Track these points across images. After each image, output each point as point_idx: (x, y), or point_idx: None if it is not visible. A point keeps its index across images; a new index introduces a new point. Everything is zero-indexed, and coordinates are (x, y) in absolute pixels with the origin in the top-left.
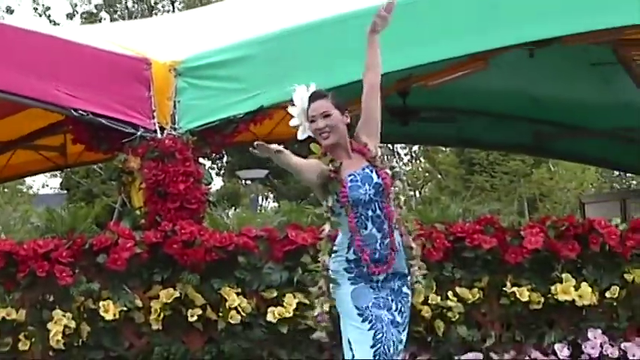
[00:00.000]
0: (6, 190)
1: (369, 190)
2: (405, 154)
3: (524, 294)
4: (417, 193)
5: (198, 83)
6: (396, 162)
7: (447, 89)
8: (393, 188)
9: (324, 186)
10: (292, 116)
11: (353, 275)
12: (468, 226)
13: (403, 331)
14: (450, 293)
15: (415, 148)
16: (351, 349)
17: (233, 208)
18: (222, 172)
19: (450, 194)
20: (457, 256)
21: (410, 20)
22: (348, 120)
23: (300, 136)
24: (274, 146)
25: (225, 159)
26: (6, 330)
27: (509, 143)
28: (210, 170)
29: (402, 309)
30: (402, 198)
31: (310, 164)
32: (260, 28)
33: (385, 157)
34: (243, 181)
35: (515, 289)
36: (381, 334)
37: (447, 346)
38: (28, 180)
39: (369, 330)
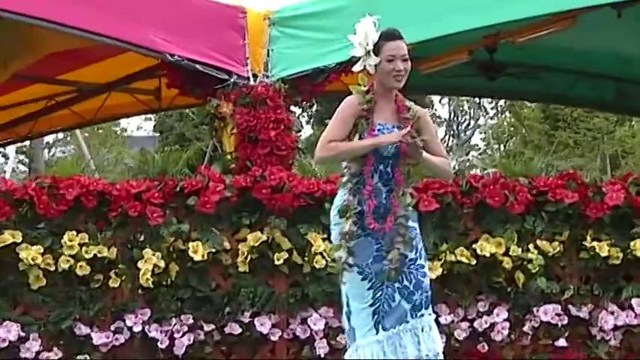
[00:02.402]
0: (100, 131)
1: (391, 147)
2: (492, 108)
3: (603, 249)
4: (502, 146)
5: (292, 32)
6: (482, 115)
7: (534, 46)
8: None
9: (354, 124)
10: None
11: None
12: (550, 180)
13: (422, 264)
14: (530, 246)
15: (501, 102)
16: (348, 304)
17: None
18: (311, 120)
19: (534, 149)
20: (539, 210)
21: None
22: None
23: (358, 67)
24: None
25: (315, 107)
26: (97, 267)
27: (593, 100)
28: (300, 118)
29: (413, 244)
30: (411, 169)
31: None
32: None
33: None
34: None
35: (595, 243)
36: (380, 292)
37: (527, 298)
38: (123, 122)
39: (368, 289)
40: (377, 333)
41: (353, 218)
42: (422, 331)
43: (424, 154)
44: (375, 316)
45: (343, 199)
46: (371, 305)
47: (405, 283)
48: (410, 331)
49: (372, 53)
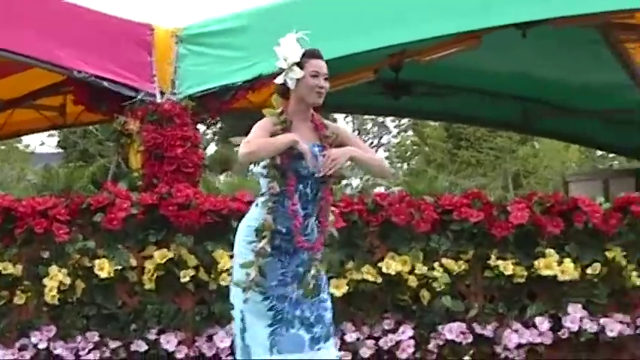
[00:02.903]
0: (3, 147)
1: (311, 167)
2: (395, 127)
3: (508, 267)
4: (405, 165)
5: (199, 50)
6: (386, 134)
7: (439, 65)
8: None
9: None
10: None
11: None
12: (456, 199)
13: (324, 298)
14: (436, 264)
15: (404, 120)
16: (242, 320)
17: (225, 173)
18: (215, 137)
19: (437, 167)
20: (444, 228)
21: None
22: None
23: (280, 80)
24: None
25: (219, 125)
26: (3, 284)
27: (498, 120)
28: (204, 135)
29: (316, 274)
30: (334, 187)
31: (267, 131)
32: None
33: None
34: (235, 148)
35: (499, 262)
36: (280, 315)
37: (432, 316)
38: (26, 138)
39: (268, 310)
40: (271, 355)
41: (268, 237)
42: None
43: (355, 152)
44: (272, 337)
45: (263, 217)
46: (269, 326)
47: (307, 314)
48: None
49: (295, 67)
